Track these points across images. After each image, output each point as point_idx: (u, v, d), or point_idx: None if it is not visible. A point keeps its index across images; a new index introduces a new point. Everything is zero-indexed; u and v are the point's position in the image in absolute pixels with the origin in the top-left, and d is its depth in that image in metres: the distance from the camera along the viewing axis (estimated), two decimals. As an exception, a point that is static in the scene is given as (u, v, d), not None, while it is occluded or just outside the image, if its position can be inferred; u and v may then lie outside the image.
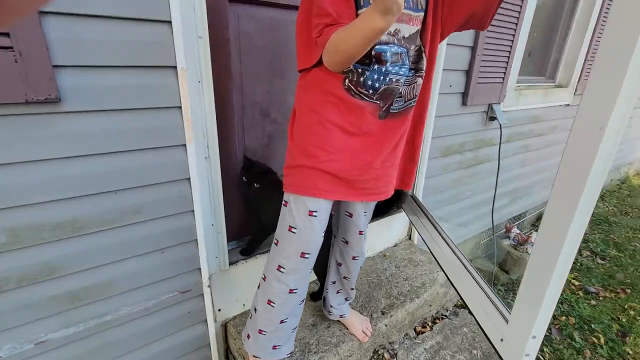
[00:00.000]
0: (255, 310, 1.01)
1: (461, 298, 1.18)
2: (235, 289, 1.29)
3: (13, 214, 0.80)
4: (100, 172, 0.88)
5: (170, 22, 0.86)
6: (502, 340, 0.97)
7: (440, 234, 1.33)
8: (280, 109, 1.31)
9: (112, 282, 0.99)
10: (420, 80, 0.90)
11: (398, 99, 0.87)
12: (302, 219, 0.89)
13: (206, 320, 1.22)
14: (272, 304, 0.96)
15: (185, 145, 0.99)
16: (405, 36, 0.82)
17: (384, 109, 0.86)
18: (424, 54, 0.88)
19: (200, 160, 1.04)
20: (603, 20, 2.38)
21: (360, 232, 1.10)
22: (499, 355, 0.98)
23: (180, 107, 0.95)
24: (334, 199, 0.92)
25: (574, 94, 2.54)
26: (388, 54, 0.80)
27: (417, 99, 0.92)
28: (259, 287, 1.01)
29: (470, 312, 1.08)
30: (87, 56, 0.79)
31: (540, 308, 0.82)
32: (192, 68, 0.94)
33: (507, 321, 0.95)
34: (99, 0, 0.76)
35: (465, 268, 1.17)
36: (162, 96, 0.91)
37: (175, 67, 0.90)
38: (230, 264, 1.25)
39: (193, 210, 1.06)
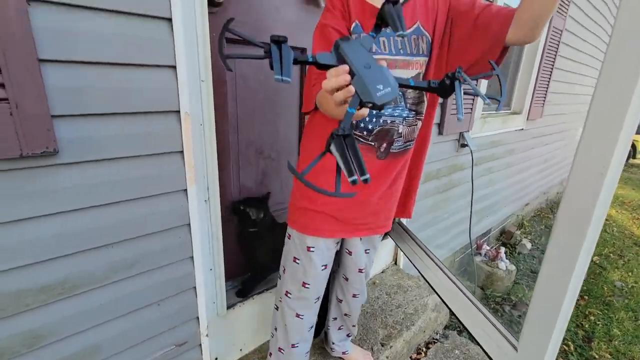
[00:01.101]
0: (275, 329, 1.08)
1: (463, 325, 1.20)
2: (232, 333, 1.23)
3: (-5, 280, 0.71)
4: (96, 225, 0.81)
5: (175, 67, 0.84)
6: (513, 367, 0.99)
7: (433, 260, 1.37)
8: (274, 146, 1.31)
9: (101, 346, 0.90)
10: (420, 124, 0.94)
11: (398, 138, 0.89)
12: (302, 253, 0.96)
13: (203, 372, 1.13)
14: (285, 325, 1.04)
15: (186, 190, 0.94)
16: (403, 57, 0.83)
17: (382, 149, 0.89)
18: (425, 97, 0.91)
19: (200, 204, 1.00)
20: (547, 52, 2.70)
21: (360, 270, 1.10)
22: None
23: (182, 152, 0.91)
24: (331, 237, 0.95)
25: (527, 119, 2.82)
26: None
27: (415, 140, 0.96)
28: (276, 308, 1.07)
29: (474, 340, 1.10)
30: (88, 104, 0.73)
31: (552, 335, 0.83)
32: (195, 112, 0.92)
33: (516, 349, 0.97)
34: (104, 47, 0.72)
35: (464, 294, 1.21)
36: (164, 141, 0.87)
37: (178, 112, 0.87)
38: (228, 307, 1.19)
39: (192, 257, 1.00)
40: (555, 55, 2.87)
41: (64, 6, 0.67)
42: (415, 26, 0.83)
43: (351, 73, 0.48)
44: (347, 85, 0.48)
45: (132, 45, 0.76)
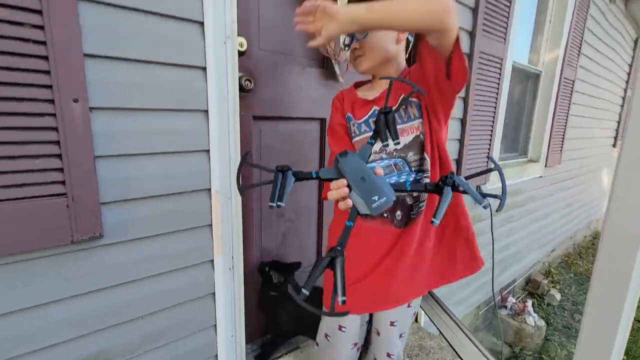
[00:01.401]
0: None
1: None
2: (250, 402, 1.21)
3: (38, 357, 0.76)
4: (130, 299, 0.86)
5: (208, 151, 0.92)
6: None
7: (458, 325, 1.35)
8: (293, 208, 1.36)
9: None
10: (427, 181, 0.88)
11: (416, 203, 0.88)
12: (333, 331, 0.97)
13: None
14: None
15: (212, 260, 0.99)
16: (398, 148, 0.85)
17: (399, 218, 0.90)
18: (426, 155, 0.86)
19: (225, 272, 1.04)
20: (561, 103, 2.74)
21: (389, 355, 1.03)
22: None
23: (210, 225, 0.97)
24: (363, 313, 0.96)
25: (545, 166, 2.81)
26: None
27: (426, 201, 0.91)
28: None
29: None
30: (132, 191, 0.82)
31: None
32: (224, 188, 0.99)
33: None
34: (150, 141, 0.82)
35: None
36: (196, 217, 0.94)
37: (209, 190, 0.95)
38: (247, 374, 1.18)
39: (215, 325, 1.03)
40: (569, 104, 2.91)
41: (120, 110, 0.77)
42: (400, 98, 0.84)
43: (349, 186, 0.55)
44: (347, 196, 0.54)
45: (174, 137, 0.85)
